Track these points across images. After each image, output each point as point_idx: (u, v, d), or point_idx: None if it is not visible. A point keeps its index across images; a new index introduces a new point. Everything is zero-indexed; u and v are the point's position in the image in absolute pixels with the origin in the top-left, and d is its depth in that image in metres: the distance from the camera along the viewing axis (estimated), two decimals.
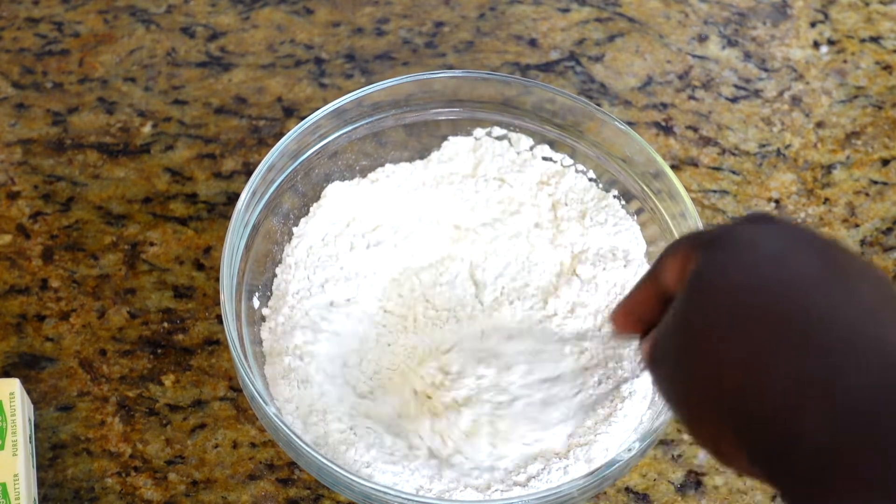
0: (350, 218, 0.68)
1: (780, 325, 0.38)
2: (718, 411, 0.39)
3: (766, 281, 0.39)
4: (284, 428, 0.57)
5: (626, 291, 0.49)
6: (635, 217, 0.68)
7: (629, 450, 0.57)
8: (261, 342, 0.64)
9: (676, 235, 0.65)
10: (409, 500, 0.56)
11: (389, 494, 0.56)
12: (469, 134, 0.70)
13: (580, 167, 0.69)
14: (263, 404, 0.58)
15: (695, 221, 0.63)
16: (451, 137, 0.70)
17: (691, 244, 0.44)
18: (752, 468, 0.39)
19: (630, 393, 0.62)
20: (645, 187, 0.67)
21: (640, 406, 0.62)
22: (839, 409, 0.36)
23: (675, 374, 0.42)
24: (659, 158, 0.66)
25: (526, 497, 0.57)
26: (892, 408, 0.35)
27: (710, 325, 0.40)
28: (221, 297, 0.60)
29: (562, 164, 0.69)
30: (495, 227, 0.69)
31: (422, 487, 0.60)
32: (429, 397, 0.62)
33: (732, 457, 0.40)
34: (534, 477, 0.60)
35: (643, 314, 0.47)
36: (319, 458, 0.56)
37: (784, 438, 0.37)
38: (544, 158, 0.70)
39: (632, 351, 0.55)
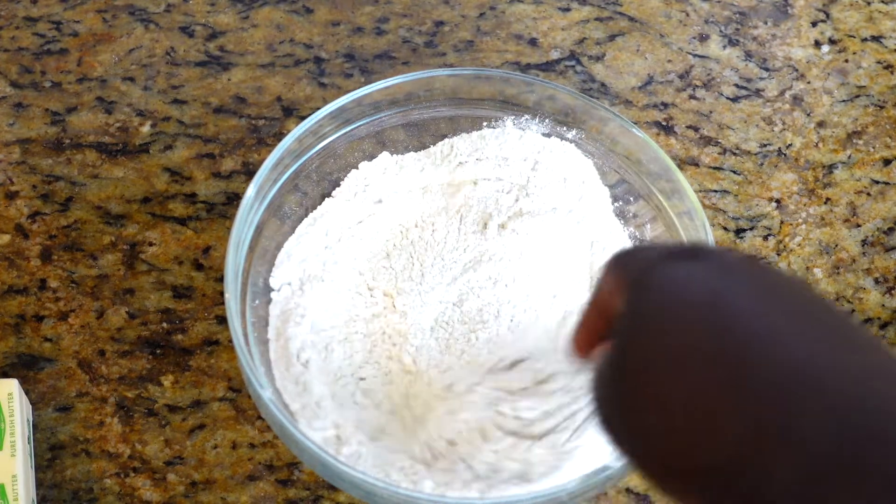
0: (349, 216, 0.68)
1: (721, 369, 0.35)
2: (681, 471, 0.36)
3: (700, 330, 0.36)
4: (288, 426, 0.57)
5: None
6: (638, 215, 0.68)
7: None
8: (266, 342, 0.64)
9: (682, 234, 0.65)
10: (410, 497, 0.56)
11: (389, 489, 0.56)
12: (469, 132, 0.70)
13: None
14: (269, 404, 0.58)
15: (702, 220, 0.63)
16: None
17: (623, 271, 0.41)
18: None
19: None
20: (650, 185, 0.67)
21: None
22: (793, 456, 0.33)
23: (630, 438, 0.38)
24: (665, 156, 0.65)
25: (525, 497, 0.57)
26: (855, 447, 0.33)
27: (650, 386, 0.37)
28: (226, 296, 0.60)
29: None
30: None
31: (421, 484, 0.59)
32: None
33: None
34: (543, 475, 0.60)
35: (600, 333, 0.44)
36: (324, 455, 0.56)
37: (743, 490, 0.34)
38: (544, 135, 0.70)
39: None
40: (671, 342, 0.36)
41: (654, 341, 0.37)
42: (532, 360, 0.61)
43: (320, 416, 0.61)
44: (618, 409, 0.38)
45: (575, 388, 0.58)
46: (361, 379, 0.63)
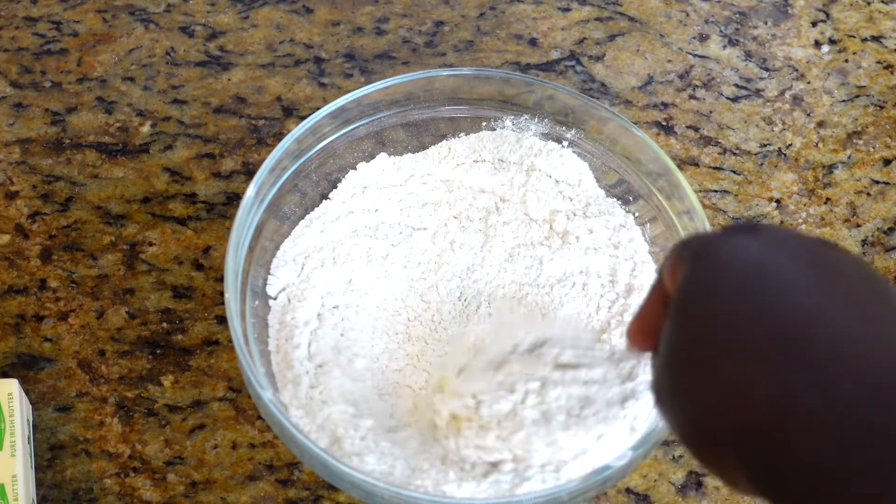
0: (349, 216, 0.68)
1: (763, 340, 0.38)
2: (717, 433, 0.39)
3: (746, 298, 0.39)
4: (289, 426, 0.57)
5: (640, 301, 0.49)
6: (637, 215, 0.68)
7: (622, 457, 0.57)
8: (266, 341, 0.64)
9: (682, 234, 0.65)
10: (410, 497, 0.56)
11: (390, 489, 0.56)
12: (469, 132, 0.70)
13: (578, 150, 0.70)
14: (269, 404, 0.58)
15: (701, 220, 0.63)
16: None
17: (680, 253, 0.43)
18: (755, 488, 0.38)
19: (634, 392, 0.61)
20: (650, 185, 0.67)
21: (646, 407, 0.61)
22: (827, 421, 0.35)
23: (674, 403, 0.41)
24: (664, 156, 0.65)
25: (525, 497, 0.57)
26: (880, 416, 0.35)
27: (696, 350, 0.40)
28: (226, 296, 0.60)
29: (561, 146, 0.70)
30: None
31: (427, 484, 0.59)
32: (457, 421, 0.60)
33: (738, 479, 0.39)
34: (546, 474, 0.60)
35: (656, 325, 0.46)
36: (327, 457, 0.56)
37: (776, 454, 0.36)
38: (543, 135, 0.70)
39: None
40: (721, 309, 0.39)
41: (707, 308, 0.40)
42: (549, 345, 0.59)
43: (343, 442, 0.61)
44: (672, 373, 0.41)
45: (592, 378, 0.58)
46: (363, 383, 0.63)
